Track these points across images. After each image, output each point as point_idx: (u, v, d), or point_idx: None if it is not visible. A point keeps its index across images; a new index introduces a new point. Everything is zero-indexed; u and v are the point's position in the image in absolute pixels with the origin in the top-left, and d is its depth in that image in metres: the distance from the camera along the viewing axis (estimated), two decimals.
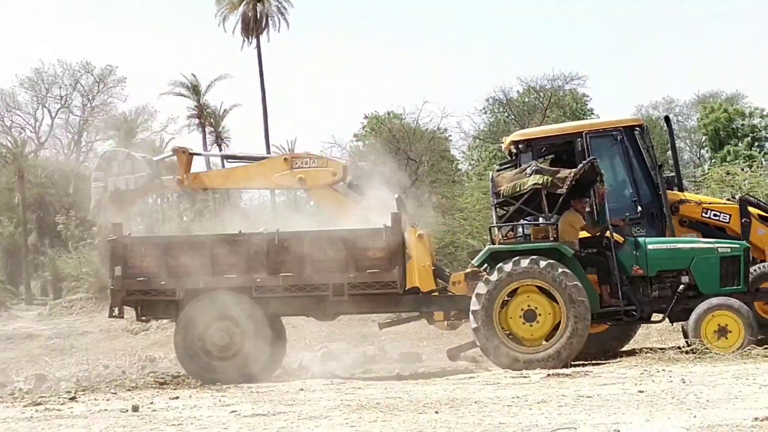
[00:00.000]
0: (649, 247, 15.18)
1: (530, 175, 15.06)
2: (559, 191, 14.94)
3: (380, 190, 16.36)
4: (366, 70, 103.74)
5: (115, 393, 13.48)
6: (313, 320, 16.69)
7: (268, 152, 59.21)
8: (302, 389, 13.13)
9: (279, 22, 60.26)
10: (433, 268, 16.25)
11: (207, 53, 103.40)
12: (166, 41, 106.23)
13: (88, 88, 66.65)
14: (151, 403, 12.13)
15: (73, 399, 12.75)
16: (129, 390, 13.88)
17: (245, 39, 59.66)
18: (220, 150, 62.38)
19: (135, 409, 11.33)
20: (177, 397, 12.58)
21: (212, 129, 62.61)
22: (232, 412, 10.98)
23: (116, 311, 15.24)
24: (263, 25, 59.45)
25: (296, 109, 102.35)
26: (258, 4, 59.21)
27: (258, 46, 59.39)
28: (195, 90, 61.97)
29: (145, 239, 16.03)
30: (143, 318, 15.78)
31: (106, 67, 67.06)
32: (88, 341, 25.19)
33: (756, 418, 8.74)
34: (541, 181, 14.91)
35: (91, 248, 37.79)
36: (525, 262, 14.57)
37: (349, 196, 16.38)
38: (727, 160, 53.70)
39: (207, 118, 62.06)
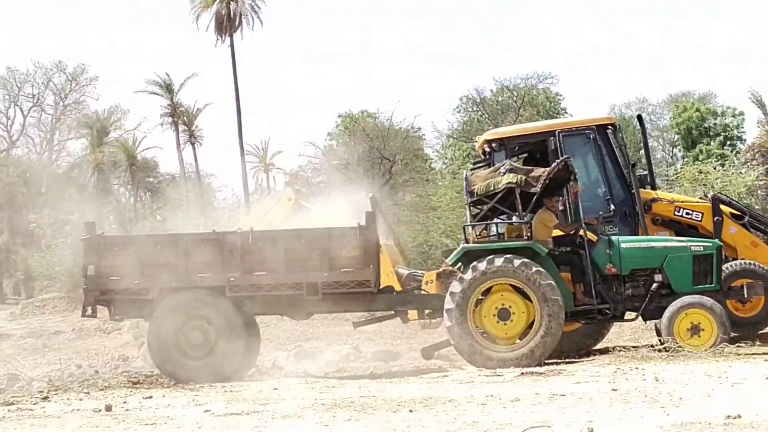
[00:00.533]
0: (623, 245, 15.24)
1: (504, 173, 15.09)
2: (532, 190, 14.99)
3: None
4: (340, 69, 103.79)
5: (87, 392, 13.42)
6: (288, 319, 16.68)
7: (242, 151, 59.27)
8: (276, 388, 13.14)
9: (253, 21, 60.29)
10: (407, 272, 16.34)
11: (181, 51, 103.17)
12: (139, 40, 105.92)
13: (61, 87, 66.44)
14: (125, 402, 12.12)
15: (45, 399, 12.70)
16: (102, 389, 13.82)
17: (219, 37, 59.62)
18: (194, 148, 62.44)
19: (108, 408, 11.31)
20: (150, 397, 12.56)
21: (185, 128, 62.43)
22: (206, 411, 10.99)
23: (89, 310, 15.16)
24: (237, 23, 59.40)
25: (270, 107, 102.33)
26: (231, 3, 59.16)
27: (231, 45, 59.41)
28: (168, 88, 61.80)
29: (119, 238, 15.98)
30: (116, 317, 15.71)
31: (79, 66, 66.87)
32: (61, 341, 25.07)
33: (728, 416, 8.82)
34: (514, 180, 14.95)
35: (64, 247, 37.63)
36: (499, 261, 14.60)
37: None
38: (700, 158, 54.02)
39: (180, 117, 61.87)
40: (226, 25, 59.10)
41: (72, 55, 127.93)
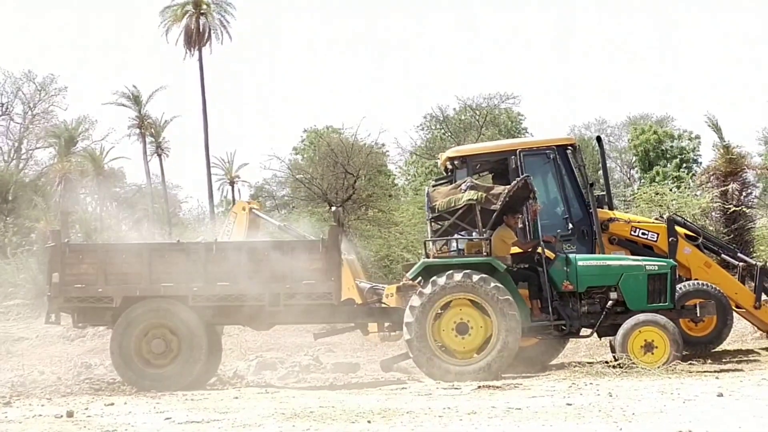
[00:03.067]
0: (580, 263, 15.41)
1: (465, 190, 15.25)
2: (492, 207, 15.16)
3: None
4: (306, 85, 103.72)
5: (50, 399, 13.41)
6: (249, 329, 16.75)
7: (208, 163, 59.19)
8: (237, 397, 13.17)
9: (222, 35, 60.29)
10: (369, 286, 16.51)
11: (150, 64, 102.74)
12: (109, 52, 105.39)
13: (30, 96, 65.87)
14: (86, 409, 12.10)
15: (7, 404, 12.70)
16: (64, 396, 13.83)
17: (188, 51, 59.58)
18: (160, 160, 62.32)
19: (70, 414, 11.29)
20: (112, 404, 12.54)
21: (153, 139, 62.31)
22: (167, 419, 11.00)
23: (53, 317, 15.19)
24: (206, 37, 59.39)
25: (237, 121, 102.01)
26: (201, 17, 59.15)
27: (200, 59, 59.32)
28: (136, 100, 61.71)
29: (83, 246, 16.07)
30: (80, 325, 15.75)
31: (48, 76, 66.44)
32: (24, 347, 24.89)
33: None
34: (475, 197, 15.13)
35: (29, 255, 37.41)
36: (458, 276, 14.75)
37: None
38: (656, 180, 54.55)
39: (148, 129, 61.75)
40: (195, 39, 59.07)
41: (41, 65, 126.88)
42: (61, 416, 11.26)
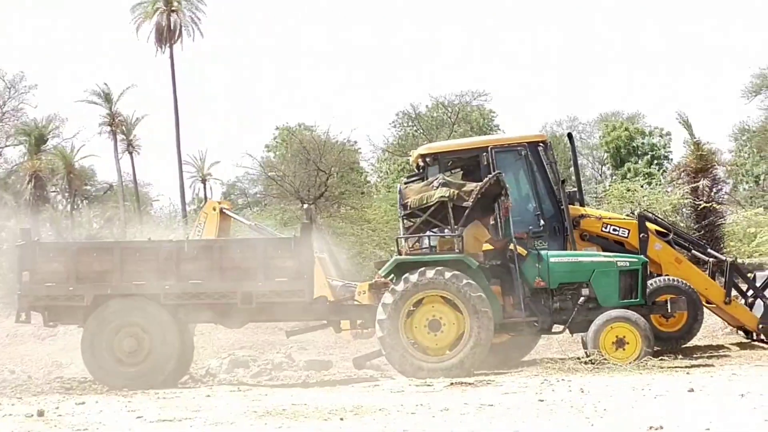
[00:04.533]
0: (551, 260, 15.47)
1: (437, 187, 15.28)
2: (464, 204, 15.19)
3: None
4: (278, 82, 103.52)
5: (20, 398, 13.35)
6: (222, 327, 16.74)
7: (180, 161, 59.08)
8: (209, 395, 13.15)
9: (193, 32, 60.15)
10: (341, 284, 16.52)
11: (121, 62, 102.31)
12: (80, 49, 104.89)
13: None
14: (57, 408, 12.04)
15: None
16: (35, 395, 13.77)
17: (159, 48, 59.41)
18: (132, 158, 62.13)
19: (40, 413, 11.22)
20: (83, 403, 12.48)
21: (124, 137, 62.08)
22: (138, 417, 10.99)
23: (23, 316, 15.12)
24: (177, 34, 59.22)
25: (209, 119, 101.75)
26: (172, 14, 58.96)
27: (171, 56, 59.17)
28: (107, 98, 61.49)
29: (54, 245, 16.01)
30: (51, 323, 15.67)
31: (18, 73, 65.95)
32: None
33: (651, 427, 8.98)
34: (447, 194, 15.15)
35: None
36: (431, 273, 14.77)
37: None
38: (628, 177, 54.87)
39: (119, 127, 61.51)
40: (166, 36, 58.91)
41: (11, 63, 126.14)
42: (32, 415, 11.19)
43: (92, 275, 14.87)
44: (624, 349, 14.72)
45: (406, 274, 14.86)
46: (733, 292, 17.79)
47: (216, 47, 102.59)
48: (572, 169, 19.78)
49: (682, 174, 33.33)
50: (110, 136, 61.89)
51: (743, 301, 17.87)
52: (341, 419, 10.37)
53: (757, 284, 17.89)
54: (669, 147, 67.85)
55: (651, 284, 16.47)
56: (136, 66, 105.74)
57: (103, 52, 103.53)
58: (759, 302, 17.58)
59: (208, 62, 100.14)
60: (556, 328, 15.76)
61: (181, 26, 59.60)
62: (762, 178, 53.25)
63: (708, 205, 31.21)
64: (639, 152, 66.98)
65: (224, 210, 18.02)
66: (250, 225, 19.38)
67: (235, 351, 19.74)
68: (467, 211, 15.21)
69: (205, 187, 69.75)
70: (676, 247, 17.97)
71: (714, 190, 32.89)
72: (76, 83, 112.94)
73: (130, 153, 62.48)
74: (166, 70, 59.90)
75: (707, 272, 18.08)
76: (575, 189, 18.45)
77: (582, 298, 15.33)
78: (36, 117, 64.72)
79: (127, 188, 62.51)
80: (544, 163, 17.72)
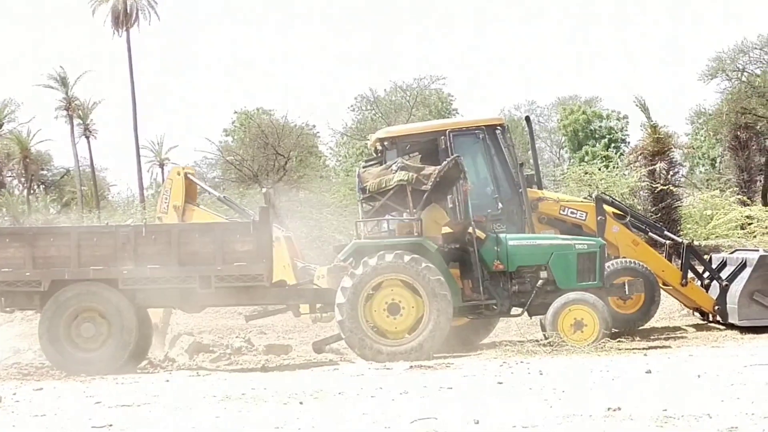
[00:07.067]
0: (510, 243, 15.52)
1: (396, 171, 15.28)
2: (423, 188, 15.20)
3: None
4: (236, 66, 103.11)
5: None
6: (180, 312, 16.68)
7: (137, 146, 58.79)
8: (168, 381, 13.16)
9: (150, 15, 59.82)
10: (301, 266, 16.49)
11: (77, 45, 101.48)
12: (35, 33, 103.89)
13: None
14: (15, 394, 12.00)
15: None
16: None
17: (115, 31, 59.06)
18: (88, 142, 61.75)
19: None
20: (41, 389, 12.47)
21: (80, 122, 61.64)
22: (97, 403, 10.97)
23: None
24: (133, 18, 58.88)
25: (166, 103, 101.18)
26: None
27: (128, 40, 58.89)
28: (63, 82, 61.03)
29: (10, 230, 15.85)
30: (7, 309, 15.56)
31: None
32: None
33: (609, 408, 9.09)
34: (406, 178, 15.16)
35: None
36: (389, 257, 14.78)
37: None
38: (585, 160, 55.16)
39: (75, 111, 61.06)
40: (123, 19, 58.57)
41: None
42: None
43: (49, 260, 14.75)
44: (582, 332, 14.81)
45: (365, 258, 14.87)
46: (690, 274, 17.93)
47: (173, 30, 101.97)
48: (530, 152, 19.81)
49: (639, 157, 33.54)
50: (67, 121, 61.55)
51: (699, 282, 18.01)
52: (301, 403, 10.40)
53: (713, 266, 18.05)
54: (626, 130, 68.40)
55: (608, 266, 16.55)
56: (92, 50, 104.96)
57: (60, 35, 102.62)
58: (715, 284, 17.72)
59: (166, 46, 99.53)
60: (515, 310, 15.80)
61: (137, 9, 59.25)
62: (718, 161, 53.74)
63: (665, 187, 31.41)
64: (596, 135, 67.45)
65: (189, 175, 17.95)
66: (218, 197, 19.36)
67: (194, 336, 19.67)
68: (426, 194, 15.23)
69: (162, 172, 69.46)
70: (634, 229, 18.08)
71: (671, 172, 33.11)
72: (31, 67, 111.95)
73: (87, 138, 62.22)
74: (122, 54, 59.52)
75: (664, 254, 18.20)
76: (533, 172, 18.51)
77: (540, 281, 15.41)
78: None
79: (84, 173, 62.14)
80: (502, 147, 17.76)
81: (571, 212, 17.83)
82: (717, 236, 29.33)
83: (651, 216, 28.06)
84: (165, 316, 17.12)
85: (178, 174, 17.91)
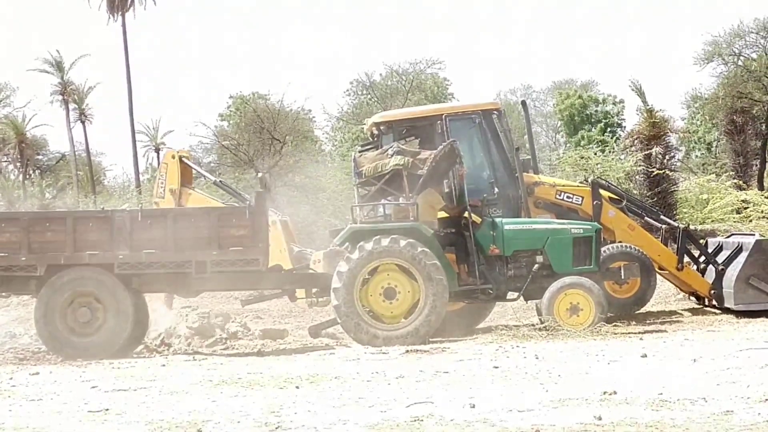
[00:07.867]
0: (506, 227, 15.54)
1: (391, 156, 15.28)
2: (419, 172, 15.20)
3: None
4: (231, 51, 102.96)
5: None
6: (176, 297, 16.69)
7: (133, 130, 58.72)
8: (164, 365, 13.17)
9: (145, 0, 59.63)
10: (297, 250, 16.49)
11: (73, 30, 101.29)
12: (30, 17, 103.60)
13: None
14: (11, 378, 12.04)
15: None
16: None
17: (111, 16, 58.89)
18: (84, 127, 61.68)
19: None
20: (37, 373, 12.47)
21: (76, 106, 61.54)
22: (93, 387, 11.00)
23: None
24: (129, 2, 58.69)
25: (162, 88, 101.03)
26: None
27: (123, 24, 58.70)
28: (59, 66, 60.92)
29: (6, 215, 15.83)
30: (3, 294, 15.58)
31: None
32: None
33: (605, 392, 9.14)
34: (402, 162, 15.15)
35: None
36: (385, 241, 14.80)
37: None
38: (581, 144, 55.21)
39: (71, 95, 60.97)
40: (119, 3, 58.39)
41: None
42: None
43: (45, 245, 14.75)
44: (578, 316, 14.84)
45: (361, 243, 14.88)
46: (686, 259, 17.94)
47: (169, 15, 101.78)
48: (526, 136, 19.83)
49: (635, 141, 33.57)
50: (62, 105, 61.43)
51: (695, 267, 18.04)
52: (297, 387, 10.43)
53: (709, 250, 18.06)
54: (622, 114, 68.34)
55: (604, 251, 16.58)
56: (88, 34, 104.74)
57: (55, 20, 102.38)
58: (711, 268, 17.74)
59: (161, 30, 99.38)
60: (511, 295, 15.87)
61: None
62: (714, 145, 53.74)
63: (661, 172, 31.45)
64: (592, 120, 67.38)
65: (183, 159, 17.94)
66: (214, 181, 19.33)
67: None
68: (422, 179, 15.23)
69: (158, 157, 69.39)
70: (630, 213, 18.08)
71: (667, 157, 33.15)
72: (27, 51, 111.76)
73: (83, 122, 62.16)
74: (118, 39, 59.39)
75: (660, 239, 18.22)
76: (529, 157, 18.51)
77: (536, 266, 15.45)
78: None
79: (79, 158, 62.05)
80: (498, 131, 17.75)
81: (567, 197, 17.82)
82: (713, 221, 29.39)
83: (647, 200, 28.09)
84: (168, 297, 17.10)
85: (173, 158, 17.91)
